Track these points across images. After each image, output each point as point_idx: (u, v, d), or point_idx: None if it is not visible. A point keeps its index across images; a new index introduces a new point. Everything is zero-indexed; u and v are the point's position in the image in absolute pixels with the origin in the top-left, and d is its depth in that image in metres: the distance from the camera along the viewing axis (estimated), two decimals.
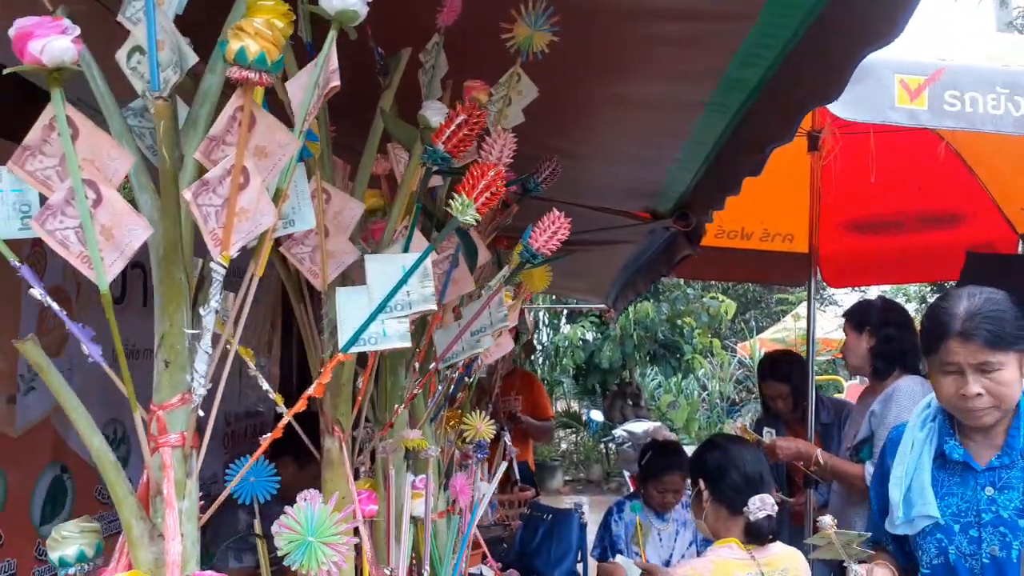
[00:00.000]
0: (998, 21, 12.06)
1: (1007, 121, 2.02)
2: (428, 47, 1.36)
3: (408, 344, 0.87)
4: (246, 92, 0.71)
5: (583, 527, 2.91)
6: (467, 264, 1.19)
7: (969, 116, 2.01)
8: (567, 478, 11.03)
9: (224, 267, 0.72)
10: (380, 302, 0.86)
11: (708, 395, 13.29)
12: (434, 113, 1.24)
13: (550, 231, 1.23)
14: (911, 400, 2.36)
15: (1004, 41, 2.70)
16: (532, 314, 12.56)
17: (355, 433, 1.16)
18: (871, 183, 3.74)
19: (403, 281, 0.88)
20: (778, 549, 1.87)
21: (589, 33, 1.55)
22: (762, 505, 1.81)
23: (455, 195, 0.94)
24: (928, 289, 11.87)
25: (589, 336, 12.54)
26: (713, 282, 13.69)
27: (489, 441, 1.66)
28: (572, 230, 3.80)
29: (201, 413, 0.75)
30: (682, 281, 12.07)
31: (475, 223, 0.95)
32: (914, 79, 2.00)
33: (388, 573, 1.27)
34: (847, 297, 18.21)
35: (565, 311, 12.78)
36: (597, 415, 9.73)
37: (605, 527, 2.99)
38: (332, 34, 0.78)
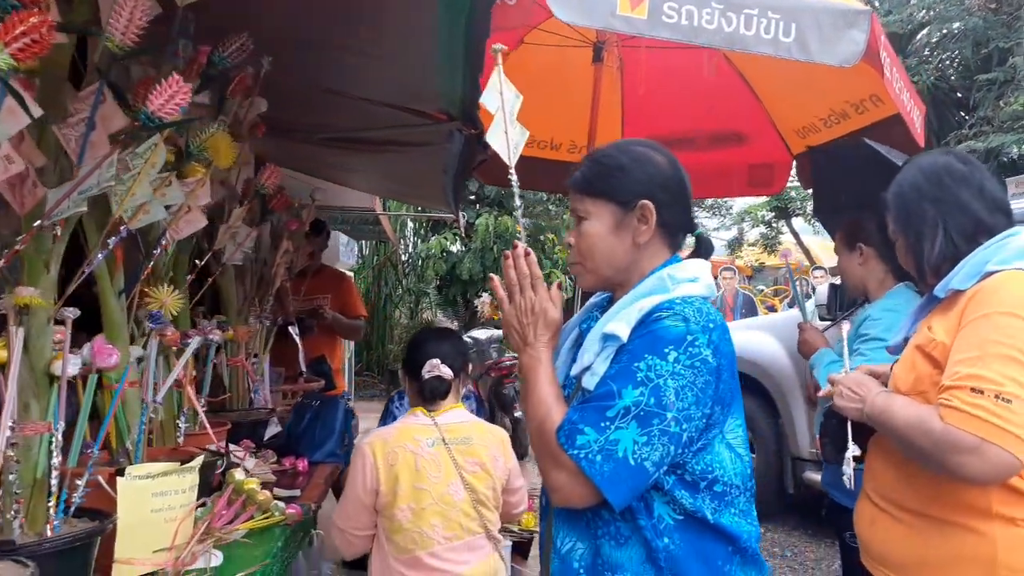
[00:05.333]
0: None
1: (718, 36, 2.14)
2: None
3: None
4: None
5: (348, 412, 3.04)
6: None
7: (684, 28, 2.12)
8: None
9: None
10: None
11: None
12: None
13: (166, 95, 1.24)
14: None
15: None
16: (399, 224, 12.52)
17: None
18: (670, 101, 3.91)
19: None
20: (463, 418, 2.04)
21: None
22: (431, 368, 1.99)
23: None
24: None
25: (454, 248, 12.62)
26: None
27: (165, 313, 1.69)
28: (363, 125, 3.75)
29: None
30: (545, 196, 12.25)
31: (11, 69, 0.95)
32: None
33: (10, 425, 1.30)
34: (710, 220, 18.99)
35: (430, 222, 12.78)
36: (443, 320, 9.94)
37: (388, 414, 3.18)
38: None
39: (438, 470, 1.94)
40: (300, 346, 3.41)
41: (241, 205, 2.37)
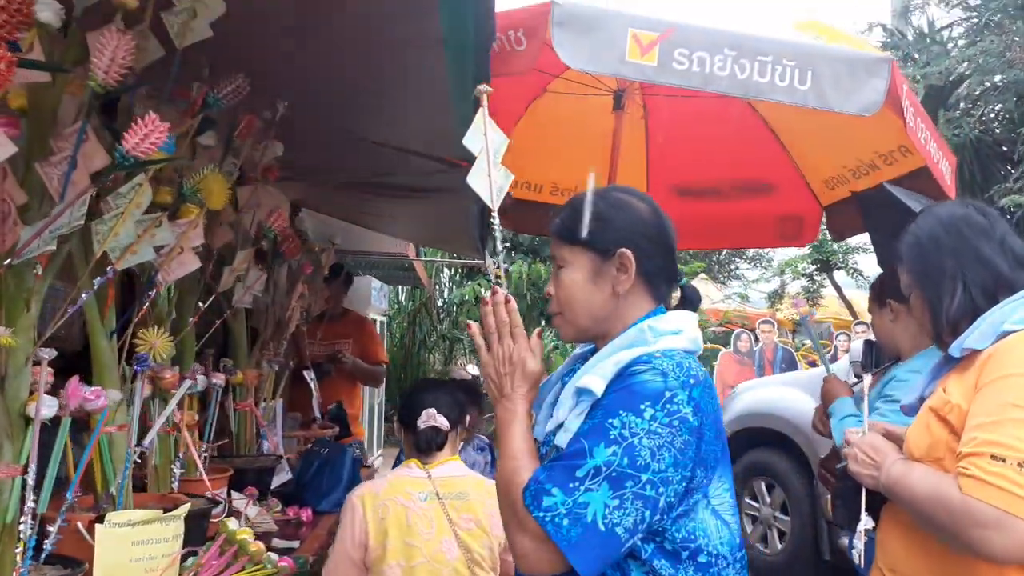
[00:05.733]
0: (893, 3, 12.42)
1: (731, 83, 2.10)
2: None
3: None
4: None
5: (355, 461, 2.98)
6: None
7: (695, 75, 2.08)
8: None
9: None
10: None
11: None
12: None
13: (142, 134, 1.23)
14: None
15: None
16: (435, 269, 12.56)
17: None
18: (695, 149, 3.86)
19: None
20: (458, 472, 1.97)
21: None
22: (427, 418, 1.94)
23: None
24: None
25: (488, 295, 12.58)
26: None
27: (155, 356, 1.66)
28: (390, 171, 3.76)
29: None
30: None
31: None
32: (647, 35, 2.05)
33: None
34: (751, 271, 18.86)
35: (464, 269, 12.81)
36: (472, 370, 9.87)
37: (400, 463, 3.14)
38: None
39: (430, 526, 1.87)
40: (315, 391, 3.38)
41: (252, 247, 2.37)
